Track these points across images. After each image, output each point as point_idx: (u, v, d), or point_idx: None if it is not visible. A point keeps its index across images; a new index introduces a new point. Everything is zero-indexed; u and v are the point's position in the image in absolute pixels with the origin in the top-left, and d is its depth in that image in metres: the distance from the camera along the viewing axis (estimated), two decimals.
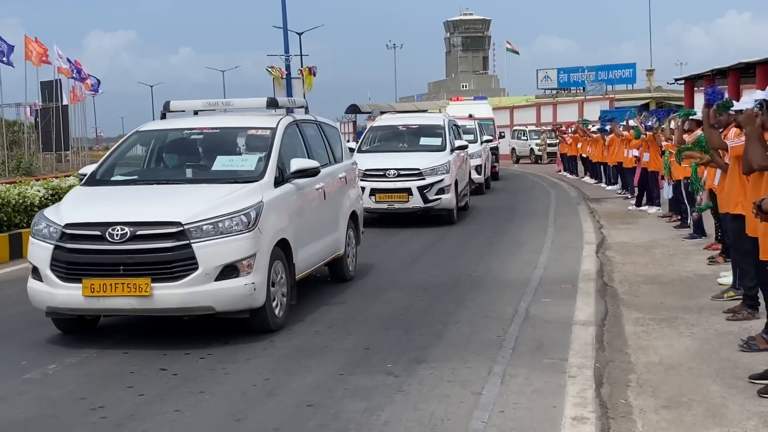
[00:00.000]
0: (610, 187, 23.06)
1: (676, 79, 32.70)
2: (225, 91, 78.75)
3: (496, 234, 14.11)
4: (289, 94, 30.69)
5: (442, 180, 15.00)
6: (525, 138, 48.09)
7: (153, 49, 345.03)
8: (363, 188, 13.37)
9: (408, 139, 16.70)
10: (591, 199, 20.22)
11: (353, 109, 35.24)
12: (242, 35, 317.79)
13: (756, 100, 5.81)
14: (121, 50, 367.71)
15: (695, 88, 30.74)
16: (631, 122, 18.83)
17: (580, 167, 29.84)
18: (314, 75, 31.84)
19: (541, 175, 32.33)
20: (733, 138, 7.24)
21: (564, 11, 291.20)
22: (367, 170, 14.67)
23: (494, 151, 27.82)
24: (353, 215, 10.24)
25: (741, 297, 7.82)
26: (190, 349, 6.94)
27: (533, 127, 50.73)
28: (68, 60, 33.56)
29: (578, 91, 62.71)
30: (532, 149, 47.11)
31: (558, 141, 35.94)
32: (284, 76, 30.90)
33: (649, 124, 15.94)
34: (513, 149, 47.87)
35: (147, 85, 79.85)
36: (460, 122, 21.41)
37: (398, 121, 17.83)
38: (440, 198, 14.99)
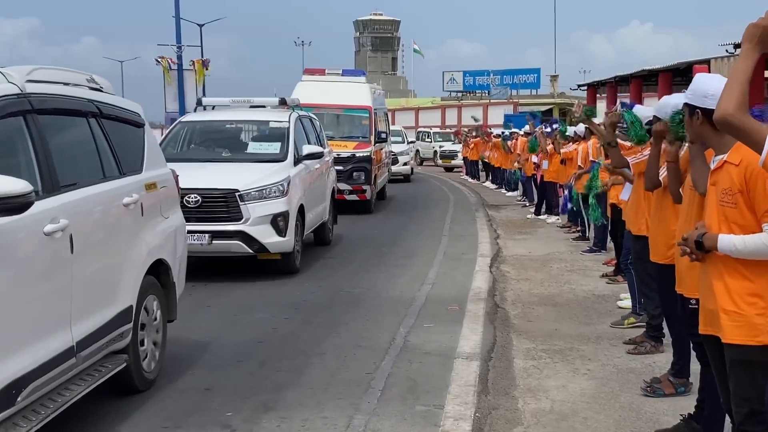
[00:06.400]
0: (510, 194, 22.40)
1: (579, 86, 32.60)
2: (123, 83, 75.86)
3: (386, 243, 13.08)
4: (181, 86, 29.16)
5: None
6: (429, 140, 47.43)
7: (56, 37, 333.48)
8: None
9: None
10: (490, 206, 19.45)
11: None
12: (147, 26, 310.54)
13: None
14: (22, 38, 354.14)
15: (597, 95, 30.59)
16: (526, 128, 18.39)
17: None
18: (206, 68, 30.36)
19: (442, 178, 31.55)
20: (636, 154, 6.38)
21: (473, 16, 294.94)
22: None
23: (364, 164, 17.37)
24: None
25: (643, 325, 6.99)
26: None
27: (437, 130, 50.16)
28: None
29: (483, 94, 62.63)
30: (435, 152, 46.43)
31: (459, 144, 35.24)
32: (174, 67, 29.30)
33: (549, 131, 15.21)
34: (417, 151, 47.12)
35: None
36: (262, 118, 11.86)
37: None
38: None
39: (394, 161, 25.45)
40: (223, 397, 5.54)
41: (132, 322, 5.33)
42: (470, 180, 30.07)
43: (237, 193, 9.52)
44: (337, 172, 14.82)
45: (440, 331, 7.35)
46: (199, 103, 13.02)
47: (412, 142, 38.42)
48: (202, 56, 33.83)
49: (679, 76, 22.90)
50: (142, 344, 5.60)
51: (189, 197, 9.21)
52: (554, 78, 66.57)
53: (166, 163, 6.59)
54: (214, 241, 9.40)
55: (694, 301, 4.22)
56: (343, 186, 16.26)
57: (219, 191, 9.56)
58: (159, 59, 29.62)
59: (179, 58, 29.62)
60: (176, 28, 28.98)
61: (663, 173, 5.33)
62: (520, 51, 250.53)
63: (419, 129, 52.10)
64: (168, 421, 5.10)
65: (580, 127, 12.69)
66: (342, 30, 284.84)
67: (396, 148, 26.82)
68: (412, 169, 30.84)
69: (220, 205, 9.52)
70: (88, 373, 4.83)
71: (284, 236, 9.77)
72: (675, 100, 5.23)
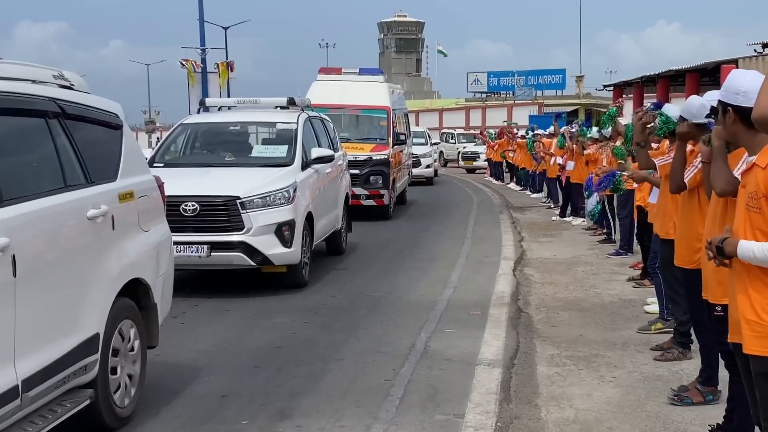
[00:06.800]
0: (534, 195, 22.19)
1: (605, 86, 32.30)
2: (149, 85, 76.68)
3: (407, 246, 12.94)
4: (204, 88, 29.21)
5: None
6: (453, 141, 47.20)
7: (84, 41, 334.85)
8: None
9: None
10: (514, 208, 19.26)
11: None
12: (174, 29, 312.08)
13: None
14: (50, 41, 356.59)
15: (623, 95, 30.28)
16: (550, 129, 18.20)
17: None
18: (232, 70, 30.39)
19: (466, 180, 31.33)
20: (662, 155, 6.20)
21: (497, 17, 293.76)
22: None
23: (381, 167, 16.31)
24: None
25: (671, 330, 6.81)
26: None
27: (462, 131, 49.91)
28: None
29: (508, 95, 62.26)
30: (459, 153, 46.16)
31: (482, 145, 34.93)
32: (198, 70, 29.36)
33: (574, 130, 15.01)
34: (441, 152, 46.91)
35: None
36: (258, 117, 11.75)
37: None
38: None
39: (416, 164, 24.99)
40: (238, 405, 5.44)
41: (99, 353, 4.57)
42: (494, 181, 29.83)
43: (238, 201, 8.74)
44: (353, 176, 14.20)
45: (462, 337, 7.21)
46: (201, 104, 12.31)
47: (436, 143, 38.03)
48: (227, 59, 33.90)
49: (707, 76, 22.60)
50: (114, 374, 4.83)
51: (186, 205, 8.60)
52: (580, 78, 66.04)
53: (148, 170, 5.86)
54: (213, 253, 8.64)
55: (719, 308, 4.07)
56: (359, 191, 15.56)
57: (218, 198, 8.81)
58: (184, 62, 29.68)
59: (203, 60, 29.70)
60: (200, 31, 29.08)
61: (688, 175, 5.17)
62: (545, 51, 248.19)
63: (443, 130, 51.88)
64: (182, 429, 5.01)
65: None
66: (366, 32, 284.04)
67: (418, 150, 26.23)
68: (435, 171, 30.26)
69: (219, 213, 8.78)
70: (41, 414, 4.11)
71: (290, 247, 8.95)
72: (701, 100, 5.08)
